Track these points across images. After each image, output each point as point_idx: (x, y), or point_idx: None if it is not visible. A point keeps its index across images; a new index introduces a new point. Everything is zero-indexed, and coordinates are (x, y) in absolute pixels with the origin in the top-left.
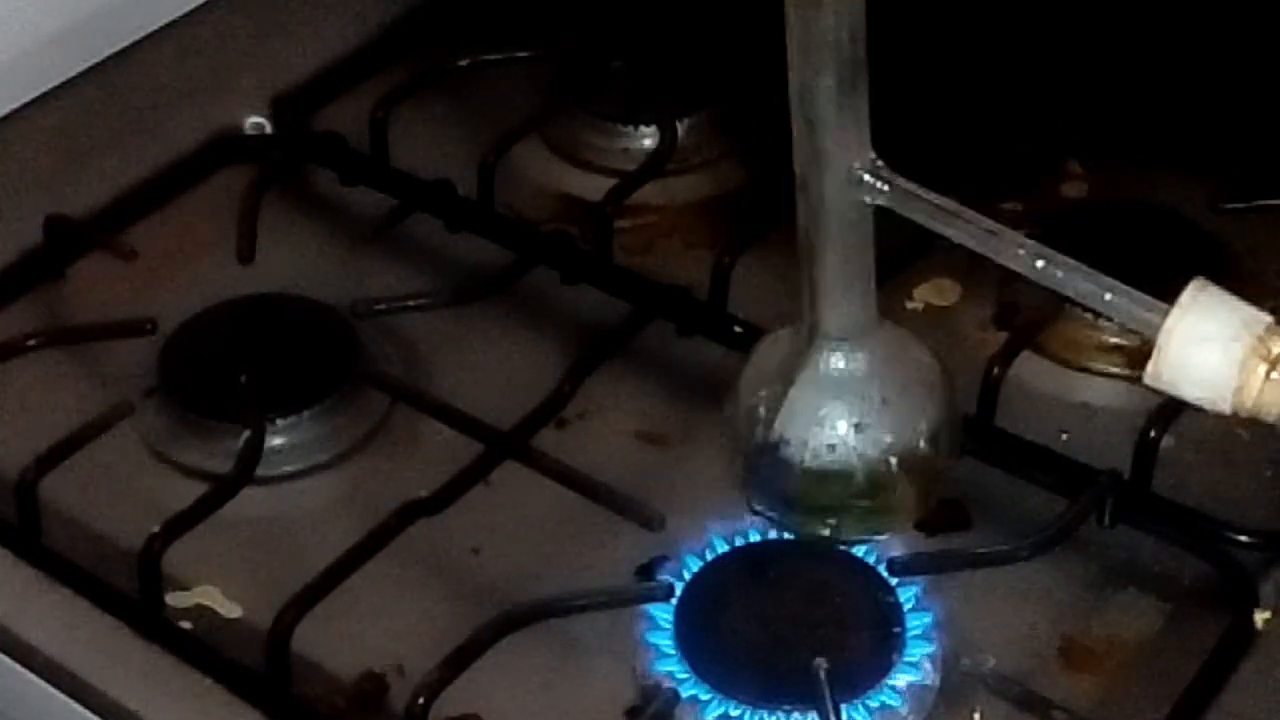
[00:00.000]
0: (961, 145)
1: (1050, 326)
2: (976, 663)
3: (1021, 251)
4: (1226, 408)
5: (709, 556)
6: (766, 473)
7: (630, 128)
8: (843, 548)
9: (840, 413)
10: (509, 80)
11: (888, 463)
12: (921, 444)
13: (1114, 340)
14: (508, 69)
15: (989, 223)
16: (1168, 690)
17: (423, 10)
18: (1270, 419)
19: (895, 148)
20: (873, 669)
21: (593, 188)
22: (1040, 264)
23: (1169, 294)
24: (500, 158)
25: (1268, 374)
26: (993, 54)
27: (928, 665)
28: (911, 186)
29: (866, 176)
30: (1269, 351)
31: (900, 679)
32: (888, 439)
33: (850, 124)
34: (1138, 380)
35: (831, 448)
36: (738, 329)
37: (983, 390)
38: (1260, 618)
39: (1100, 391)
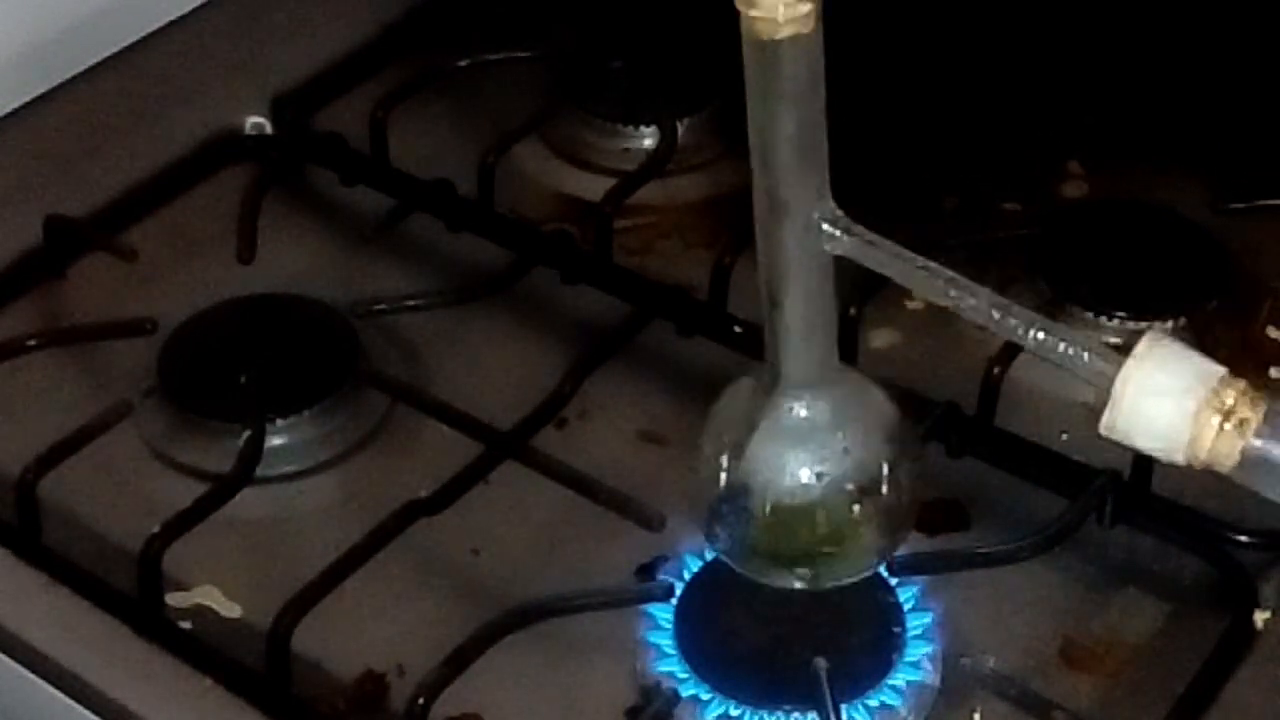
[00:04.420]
0: (962, 146)
1: None
2: (976, 663)
3: (978, 302)
4: (1181, 459)
5: (709, 556)
6: (729, 520)
7: (630, 128)
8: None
9: (802, 460)
10: (509, 80)
11: (850, 510)
12: (883, 490)
13: (1113, 340)
14: (508, 69)
15: (948, 273)
16: (1168, 690)
17: (423, 10)
18: (1225, 470)
19: (896, 150)
20: (873, 669)
21: (593, 188)
22: (997, 315)
23: (1168, 295)
24: (500, 158)
25: (1221, 426)
26: (993, 55)
27: (928, 665)
28: (871, 236)
29: (826, 225)
30: (1223, 404)
31: (900, 679)
32: (849, 486)
33: (810, 172)
34: None
35: (793, 496)
36: (738, 329)
37: (983, 390)
38: (1260, 618)
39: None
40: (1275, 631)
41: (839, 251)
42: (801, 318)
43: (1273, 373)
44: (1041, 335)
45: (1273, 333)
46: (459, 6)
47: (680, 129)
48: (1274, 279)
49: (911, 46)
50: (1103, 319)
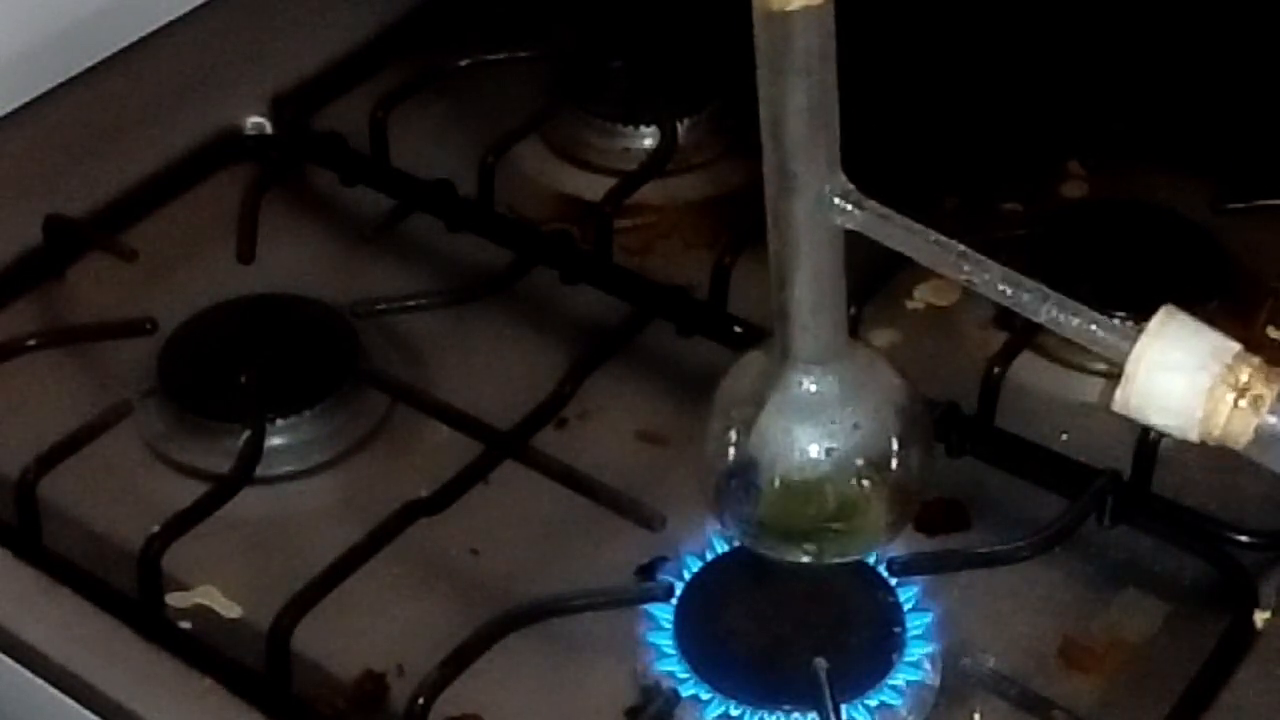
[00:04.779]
0: (962, 146)
1: None
2: (976, 663)
3: (990, 276)
4: (1194, 435)
5: (709, 556)
6: (737, 496)
7: (630, 128)
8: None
9: (811, 436)
10: (509, 80)
11: (859, 486)
12: (893, 466)
13: None
14: (508, 69)
15: (960, 247)
16: (1168, 690)
17: (423, 10)
18: (1238, 447)
19: (897, 150)
20: (873, 669)
21: (593, 188)
22: (1009, 290)
23: (1168, 295)
24: (500, 158)
25: (1235, 402)
26: (993, 54)
27: (928, 665)
28: (882, 210)
29: (837, 200)
30: (1236, 379)
31: (900, 679)
32: (859, 462)
33: (820, 147)
34: None
35: (802, 471)
36: (738, 329)
37: (983, 390)
38: (1260, 618)
39: (1100, 391)
40: (1275, 631)
41: (850, 225)
42: (811, 292)
43: None
44: (1054, 310)
45: (1273, 333)
46: (459, 6)
47: (680, 129)
48: (1274, 279)
49: (911, 46)
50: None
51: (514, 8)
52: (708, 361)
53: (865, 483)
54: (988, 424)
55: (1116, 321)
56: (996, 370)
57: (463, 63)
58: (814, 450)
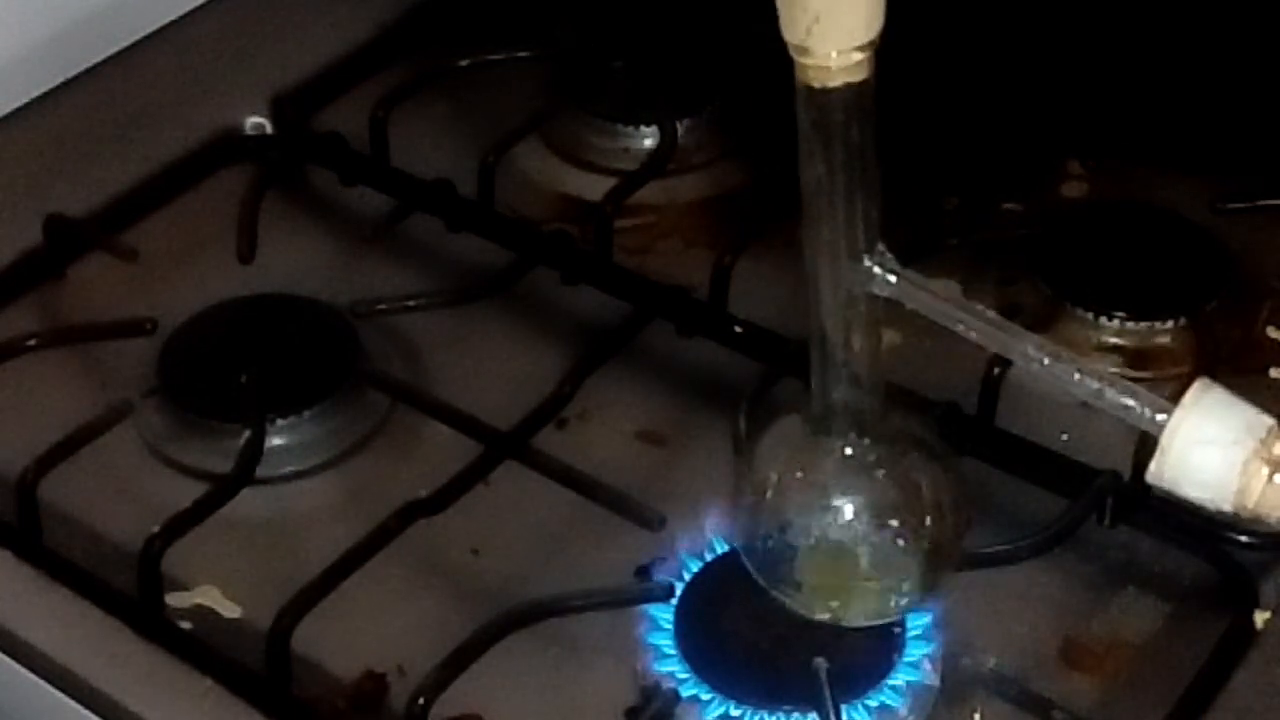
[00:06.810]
0: (962, 146)
1: (1050, 326)
2: (976, 663)
3: (1027, 347)
4: (1229, 508)
5: (709, 556)
6: (773, 555)
7: (630, 128)
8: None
9: (847, 498)
10: (509, 80)
11: (894, 546)
12: (927, 523)
13: (1113, 340)
14: (508, 69)
15: (994, 316)
16: (1168, 690)
17: (423, 10)
18: (1272, 521)
19: (896, 150)
20: (873, 669)
21: (593, 188)
22: (1046, 360)
23: (1168, 295)
24: (500, 158)
25: (1270, 476)
26: (993, 54)
27: (928, 665)
28: (918, 279)
29: (876, 269)
30: (1270, 454)
31: (900, 679)
32: (894, 523)
33: (859, 216)
34: (1136, 382)
35: (838, 532)
36: (738, 329)
37: (983, 390)
38: (1260, 618)
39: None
40: (1275, 631)
41: (886, 294)
42: (849, 360)
43: (1273, 373)
44: (1090, 382)
45: (1273, 333)
46: (459, 6)
47: (680, 129)
48: (1274, 279)
49: (911, 46)
50: (1103, 319)
51: (514, 8)
52: (708, 361)
53: (899, 542)
54: (988, 424)
55: (1158, 397)
56: (996, 370)
57: (463, 63)
58: (848, 512)
